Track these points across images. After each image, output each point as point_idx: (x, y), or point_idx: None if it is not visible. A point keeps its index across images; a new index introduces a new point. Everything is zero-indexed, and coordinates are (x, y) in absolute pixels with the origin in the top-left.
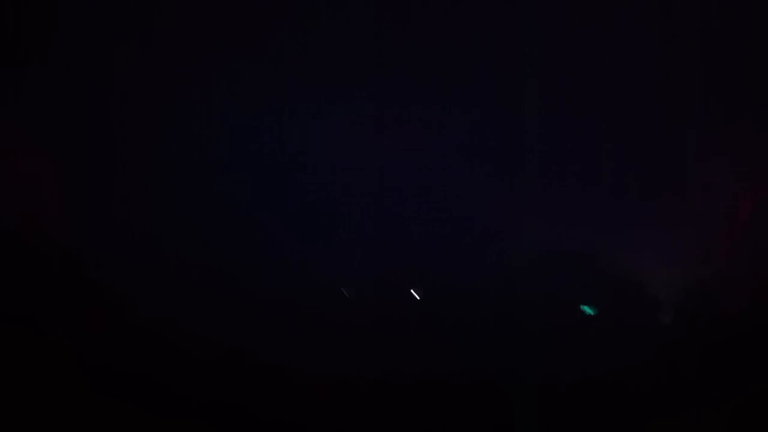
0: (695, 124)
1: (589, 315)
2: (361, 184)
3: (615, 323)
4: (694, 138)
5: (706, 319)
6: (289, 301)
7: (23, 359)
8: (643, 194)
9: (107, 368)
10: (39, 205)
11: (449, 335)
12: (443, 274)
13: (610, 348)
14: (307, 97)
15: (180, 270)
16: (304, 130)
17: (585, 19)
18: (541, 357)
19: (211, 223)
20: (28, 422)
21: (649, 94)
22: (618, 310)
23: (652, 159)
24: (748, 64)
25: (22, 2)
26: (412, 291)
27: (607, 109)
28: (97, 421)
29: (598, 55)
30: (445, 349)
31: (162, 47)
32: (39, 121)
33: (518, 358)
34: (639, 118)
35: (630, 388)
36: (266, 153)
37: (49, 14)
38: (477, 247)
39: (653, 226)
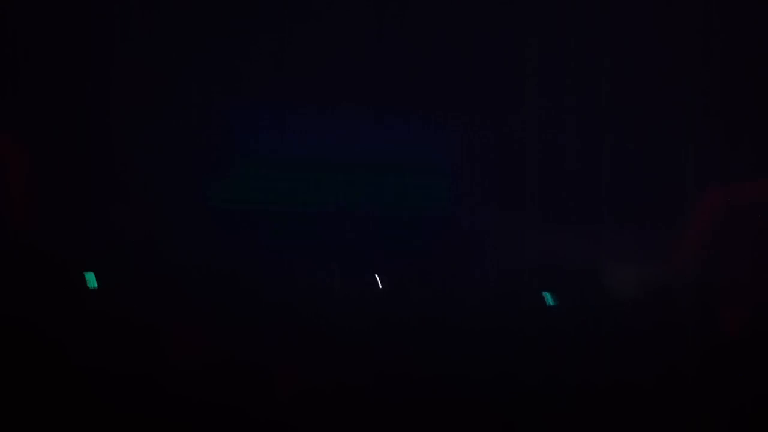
0: (691, 129)
1: (550, 303)
2: (359, 186)
3: (613, 329)
4: (692, 143)
5: (706, 324)
6: (287, 304)
7: (21, 362)
8: (641, 200)
9: (104, 372)
10: (33, 205)
11: (447, 340)
12: (441, 279)
13: (608, 354)
14: (303, 96)
15: (178, 272)
16: (303, 130)
17: (585, 38)
18: (540, 363)
19: (209, 224)
20: (27, 424)
21: (646, 98)
22: (616, 316)
23: (650, 163)
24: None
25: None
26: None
27: (604, 115)
28: (94, 423)
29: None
30: (442, 354)
31: (160, 44)
32: (34, 120)
33: (516, 364)
34: (636, 122)
35: (629, 394)
36: (264, 153)
37: (44, 11)
38: (475, 252)
39: (650, 231)
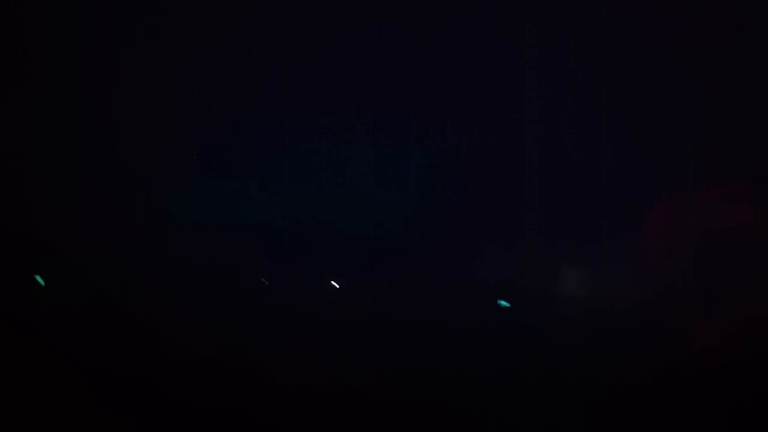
0: (674, 138)
1: (505, 307)
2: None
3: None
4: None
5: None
6: (286, 304)
7: (22, 360)
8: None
9: (105, 370)
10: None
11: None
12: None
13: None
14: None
15: (178, 272)
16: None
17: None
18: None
19: (210, 224)
20: (27, 423)
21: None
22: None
23: (638, 170)
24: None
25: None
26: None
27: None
28: (94, 423)
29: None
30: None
31: (164, 47)
32: (39, 121)
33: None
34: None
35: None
36: (264, 154)
37: (48, 12)
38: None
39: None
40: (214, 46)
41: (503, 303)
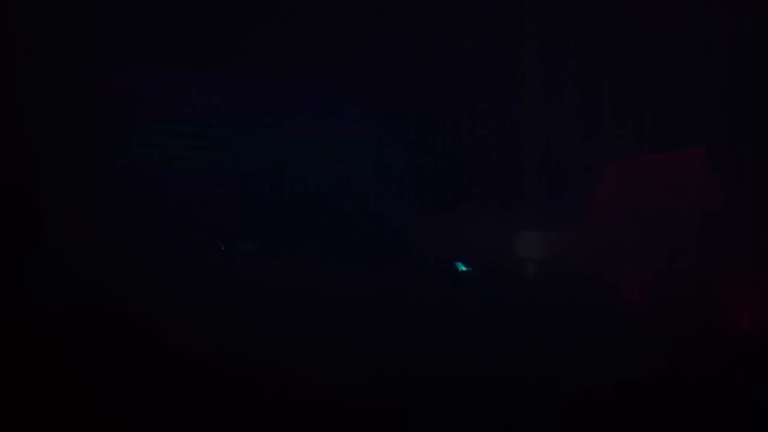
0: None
1: (462, 270)
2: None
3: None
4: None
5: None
6: (288, 304)
7: (21, 362)
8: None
9: (104, 371)
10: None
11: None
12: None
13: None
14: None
15: (178, 270)
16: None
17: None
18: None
19: (209, 221)
20: (27, 423)
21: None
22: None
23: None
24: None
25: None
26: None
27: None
28: (94, 423)
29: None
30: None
31: (162, 38)
32: (36, 117)
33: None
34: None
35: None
36: (263, 148)
37: (47, 9)
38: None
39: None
40: (213, 45)
41: (460, 266)
